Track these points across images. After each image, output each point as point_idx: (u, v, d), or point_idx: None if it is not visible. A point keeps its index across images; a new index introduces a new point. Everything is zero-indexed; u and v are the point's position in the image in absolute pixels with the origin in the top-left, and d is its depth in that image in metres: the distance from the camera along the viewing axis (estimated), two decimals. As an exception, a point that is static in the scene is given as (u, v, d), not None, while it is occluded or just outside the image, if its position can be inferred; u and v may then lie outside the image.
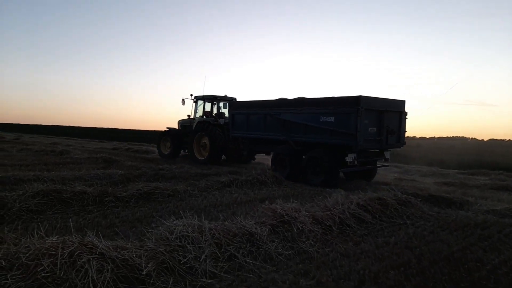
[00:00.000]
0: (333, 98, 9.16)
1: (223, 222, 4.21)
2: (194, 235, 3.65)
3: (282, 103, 10.56)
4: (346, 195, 6.53)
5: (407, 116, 9.82)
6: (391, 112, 9.33)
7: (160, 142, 15.64)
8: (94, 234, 3.56)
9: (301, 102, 10.04)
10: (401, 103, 9.74)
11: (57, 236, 3.13)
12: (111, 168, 10.24)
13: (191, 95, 14.74)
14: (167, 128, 15.88)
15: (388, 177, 11.23)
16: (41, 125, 52.29)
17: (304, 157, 9.77)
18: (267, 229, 4.21)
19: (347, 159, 8.67)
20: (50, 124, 51.62)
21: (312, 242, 4.21)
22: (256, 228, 4.12)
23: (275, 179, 8.66)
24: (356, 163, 8.90)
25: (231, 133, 12.20)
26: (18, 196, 5.19)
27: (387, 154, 9.97)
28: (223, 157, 14.03)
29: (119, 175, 8.70)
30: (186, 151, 14.73)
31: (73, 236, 3.18)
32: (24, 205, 5.03)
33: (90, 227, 4.62)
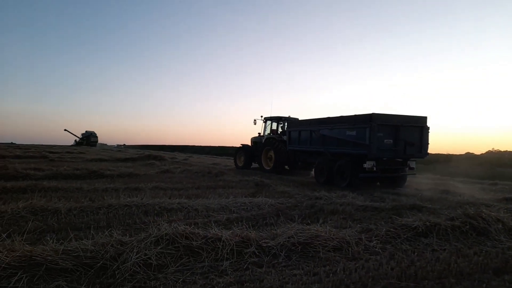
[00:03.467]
0: (354, 116, 10.87)
1: None
2: None
3: (321, 121, 12.52)
4: None
5: (429, 130, 10.99)
6: (410, 126, 10.63)
7: (236, 156, 18.44)
8: None
9: (333, 119, 11.93)
10: (423, 119, 10.92)
11: None
12: (260, 194, 8.84)
13: (261, 116, 17.32)
14: (241, 144, 18.33)
15: None
16: (208, 146, 58.77)
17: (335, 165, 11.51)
18: None
19: (365, 165, 10.19)
20: (215, 145, 57.32)
21: None
22: None
23: (501, 225, 5.35)
24: (375, 169, 10.31)
25: (288, 147, 14.58)
26: (138, 242, 3.92)
27: (412, 164, 11.10)
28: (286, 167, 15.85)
29: (268, 206, 7.17)
30: (256, 163, 17.12)
31: None
32: (143, 257, 3.68)
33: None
